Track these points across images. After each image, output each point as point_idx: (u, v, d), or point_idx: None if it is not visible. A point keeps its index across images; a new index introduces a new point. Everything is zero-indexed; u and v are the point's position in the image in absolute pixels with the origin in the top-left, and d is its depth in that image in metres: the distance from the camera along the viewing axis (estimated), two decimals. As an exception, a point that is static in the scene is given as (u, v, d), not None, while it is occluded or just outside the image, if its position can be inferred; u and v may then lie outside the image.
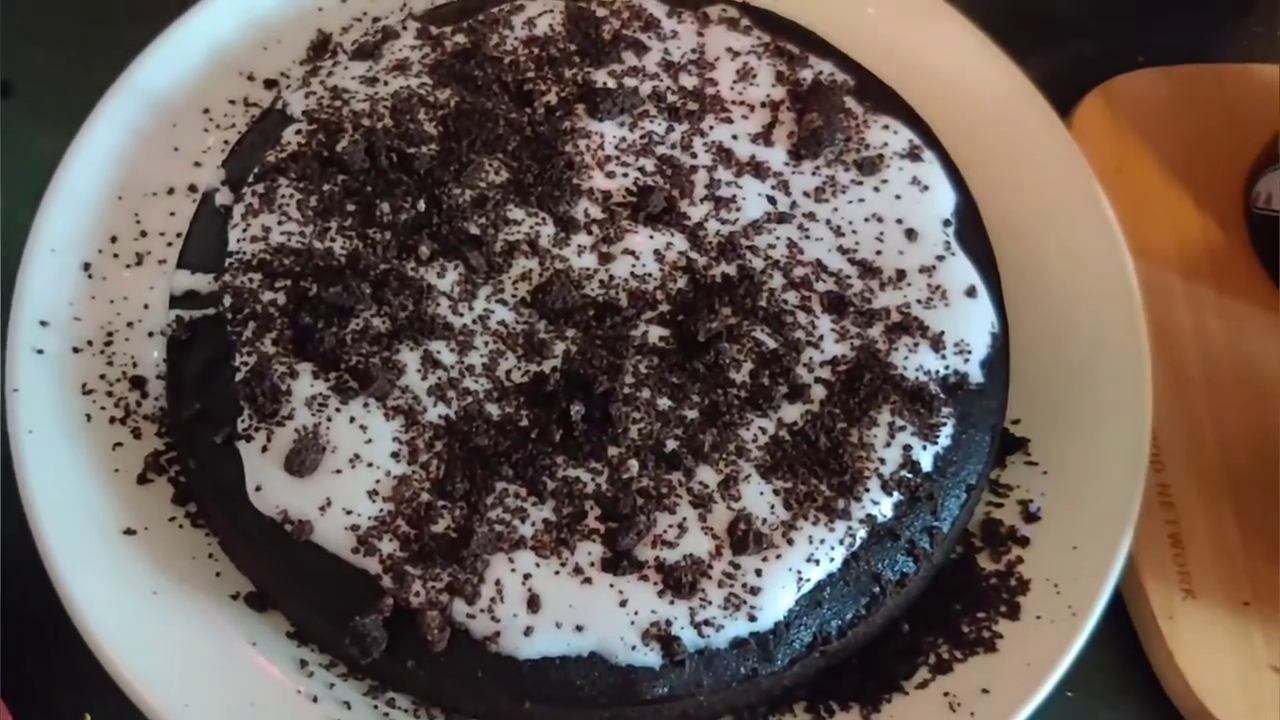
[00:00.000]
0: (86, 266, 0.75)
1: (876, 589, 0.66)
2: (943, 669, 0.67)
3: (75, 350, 0.73)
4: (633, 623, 0.63)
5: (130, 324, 0.75)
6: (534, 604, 0.63)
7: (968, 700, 0.66)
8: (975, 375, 0.71)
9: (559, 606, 0.63)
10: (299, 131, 0.77)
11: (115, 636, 0.64)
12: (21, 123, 0.87)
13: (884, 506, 0.67)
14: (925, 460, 0.68)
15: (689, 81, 0.80)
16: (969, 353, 0.72)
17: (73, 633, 0.64)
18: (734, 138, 0.78)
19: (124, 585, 0.66)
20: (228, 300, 0.71)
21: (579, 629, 0.63)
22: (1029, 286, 0.78)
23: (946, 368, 0.71)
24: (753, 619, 0.64)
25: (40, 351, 0.72)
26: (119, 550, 0.68)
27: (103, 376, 0.73)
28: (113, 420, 0.72)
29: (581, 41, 0.81)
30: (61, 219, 0.76)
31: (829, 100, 0.79)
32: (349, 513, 0.65)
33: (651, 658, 0.63)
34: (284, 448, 0.66)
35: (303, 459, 0.66)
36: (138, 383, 0.73)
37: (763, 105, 0.80)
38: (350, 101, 0.78)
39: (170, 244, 0.77)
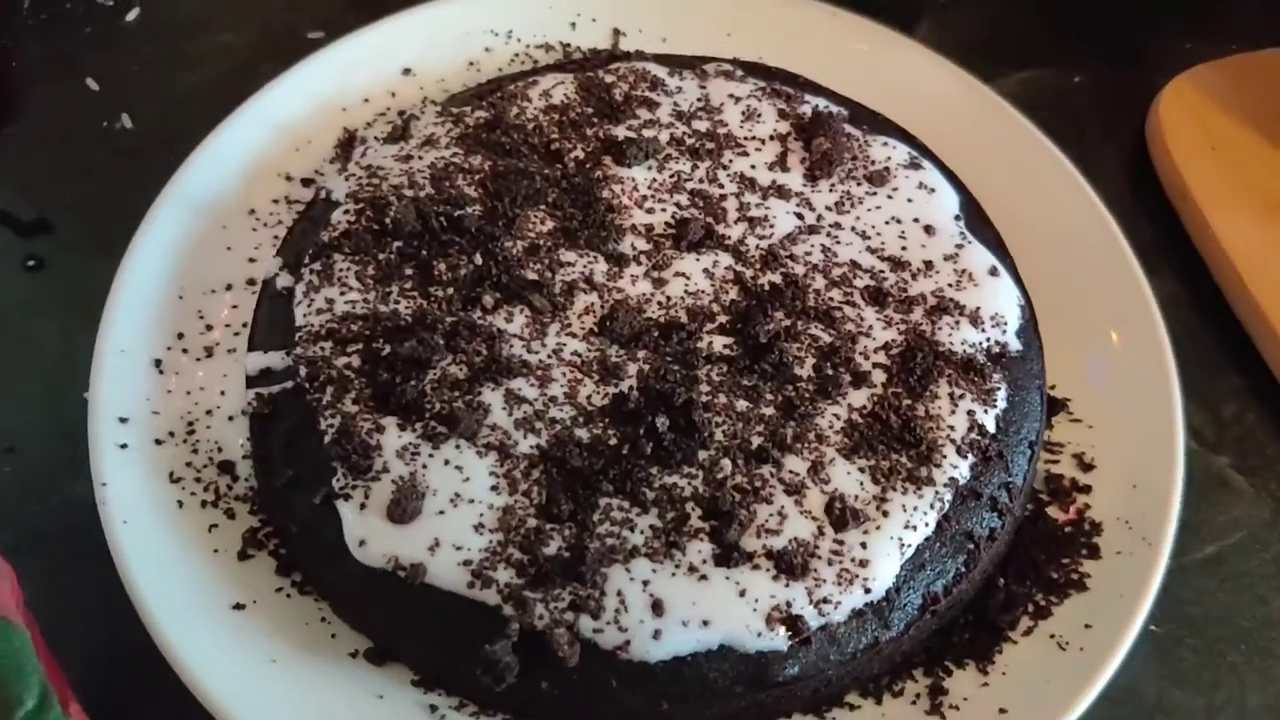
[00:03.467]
0: (158, 363, 0.71)
1: (971, 546, 0.64)
2: (1042, 614, 0.65)
3: (158, 442, 0.69)
4: (755, 610, 0.59)
5: (209, 412, 0.71)
6: (658, 608, 0.59)
7: (1074, 637, 0.63)
8: (1014, 343, 0.70)
9: (682, 606, 0.59)
10: (346, 211, 0.74)
11: (240, 704, 0.59)
12: (65, 257, 0.82)
13: (962, 469, 0.65)
14: (989, 422, 0.66)
15: (701, 126, 0.79)
16: (1004, 324, 0.71)
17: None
18: (753, 168, 0.77)
19: (241, 656, 0.61)
20: (303, 370, 0.67)
21: (705, 624, 0.59)
22: (1035, 265, 0.77)
23: (988, 339, 0.70)
24: (867, 590, 0.61)
25: (124, 446, 0.67)
26: (230, 624, 0.63)
27: (189, 464, 0.69)
28: (205, 504, 0.67)
29: (596, 105, 0.80)
30: (126, 320, 0.72)
31: (831, 126, 0.79)
32: (459, 549, 0.61)
33: (778, 641, 0.59)
34: (383, 499, 0.62)
35: (404, 507, 0.62)
36: (226, 467, 0.69)
37: (771, 138, 0.79)
38: (389, 177, 0.76)
39: (237, 334, 0.74)
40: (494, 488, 0.63)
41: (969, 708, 0.61)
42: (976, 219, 0.77)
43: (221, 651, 0.61)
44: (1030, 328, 0.72)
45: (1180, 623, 0.69)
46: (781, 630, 0.59)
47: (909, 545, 0.62)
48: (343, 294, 0.70)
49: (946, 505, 0.64)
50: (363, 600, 0.63)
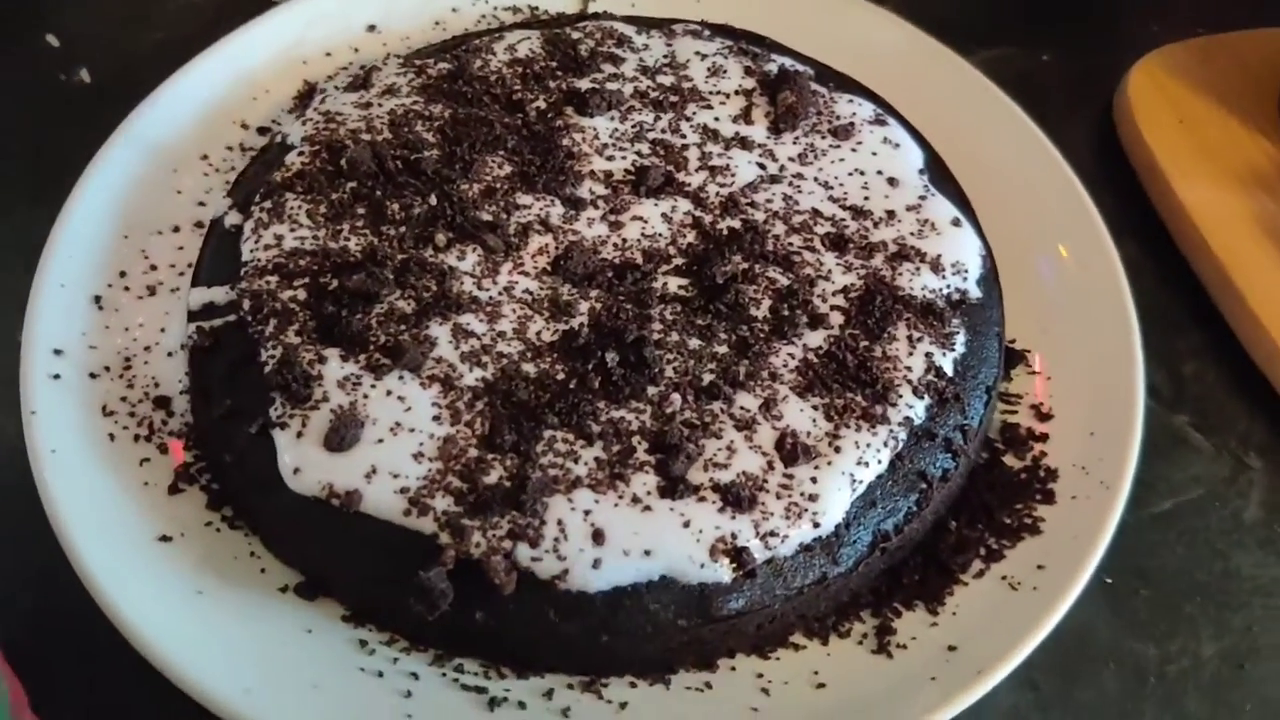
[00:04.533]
0: (97, 300, 0.70)
1: (924, 485, 0.62)
2: (994, 557, 0.63)
3: (93, 376, 0.67)
4: (699, 540, 0.58)
5: (148, 348, 0.69)
6: (598, 537, 0.58)
7: (1026, 578, 0.62)
8: (974, 291, 0.70)
9: (624, 536, 0.58)
10: (301, 153, 0.73)
11: (163, 635, 0.57)
12: (12, 203, 0.81)
13: (918, 409, 0.63)
14: (947, 365, 0.65)
15: (666, 80, 0.79)
16: (965, 272, 0.70)
17: (107, 647, 0.56)
18: (716, 120, 0.77)
19: (165, 588, 0.59)
20: (246, 304, 0.66)
21: (647, 554, 0.57)
22: (998, 224, 0.76)
23: (948, 286, 0.69)
24: (816, 524, 0.59)
25: (56, 377, 0.65)
26: (156, 557, 0.61)
27: (124, 399, 0.67)
28: (137, 439, 0.66)
29: (561, 59, 0.80)
30: (68, 255, 0.70)
31: (797, 83, 0.78)
32: (396, 476, 0.59)
33: (722, 572, 0.57)
34: (321, 428, 0.61)
35: (341, 435, 0.60)
36: (161, 402, 0.67)
37: (737, 93, 0.79)
38: (346, 122, 0.75)
39: (182, 274, 0.72)
40: (436, 418, 0.62)
41: (917, 647, 0.60)
42: (940, 174, 0.76)
43: (145, 583, 0.59)
44: (991, 278, 0.71)
45: (1135, 574, 0.67)
46: (725, 562, 0.58)
47: (860, 482, 0.61)
48: (292, 230, 0.69)
49: (900, 444, 0.62)
50: (295, 532, 0.61)
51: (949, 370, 0.65)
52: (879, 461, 0.61)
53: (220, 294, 0.68)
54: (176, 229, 0.75)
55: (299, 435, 0.61)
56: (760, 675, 0.59)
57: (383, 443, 0.61)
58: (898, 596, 0.62)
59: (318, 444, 0.60)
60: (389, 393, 0.62)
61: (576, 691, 0.58)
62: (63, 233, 0.71)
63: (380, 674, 0.58)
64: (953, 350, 0.66)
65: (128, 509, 0.62)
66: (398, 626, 0.60)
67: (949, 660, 0.58)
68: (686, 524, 0.58)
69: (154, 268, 0.73)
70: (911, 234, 0.71)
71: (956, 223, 0.72)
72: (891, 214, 0.72)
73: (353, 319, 0.64)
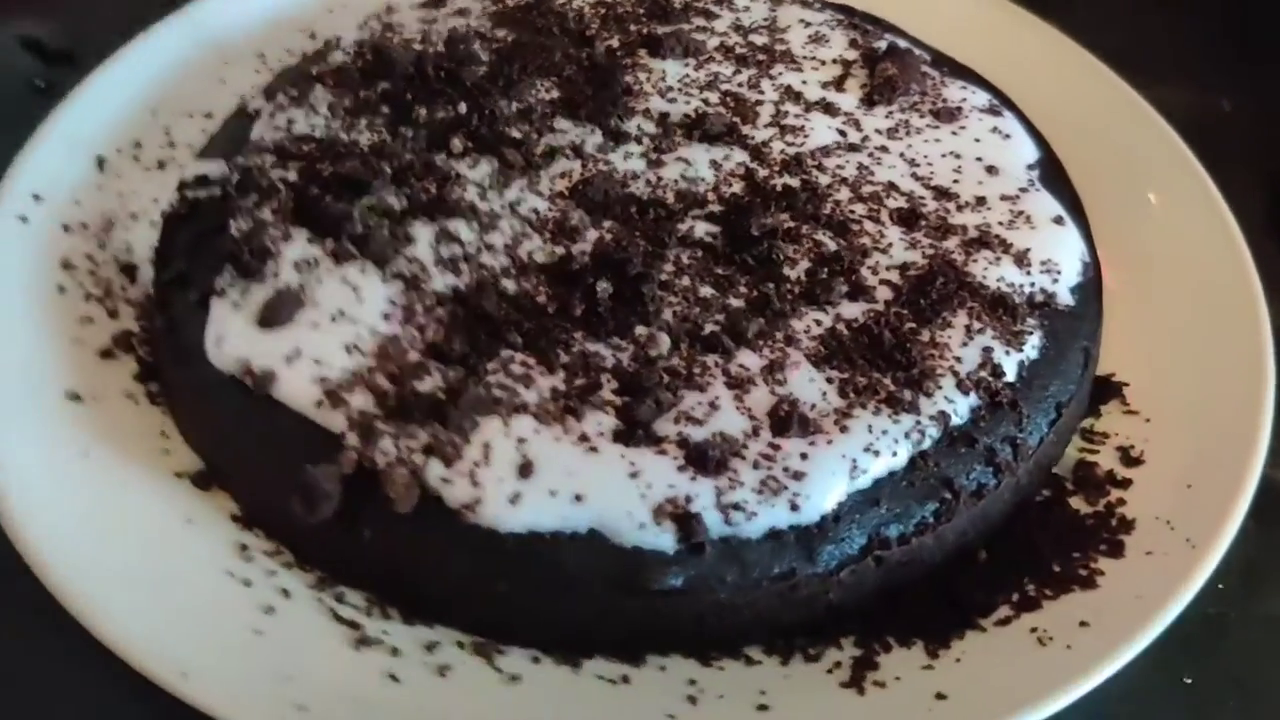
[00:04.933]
0: (100, 161, 0.65)
1: (948, 494, 0.50)
2: (1028, 605, 0.50)
3: (65, 228, 0.62)
4: (644, 496, 0.47)
5: (134, 215, 0.64)
6: (526, 470, 0.47)
7: (1062, 635, 0.48)
8: (1064, 297, 0.57)
9: (556, 473, 0.47)
10: (346, 53, 0.68)
11: (23, 485, 0.49)
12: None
13: (959, 406, 0.51)
14: (1008, 366, 0.53)
15: (759, 40, 0.70)
16: (1058, 273, 0.57)
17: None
18: (804, 83, 0.68)
19: (51, 443, 0.52)
20: (235, 177, 0.60)
21: (578, 499, 0.47)
22: (1121, 244, 0.64)
23: (1032, 284, 0.57)
24: (794, 507, 0.47)
25: (24, 219, 0.60)
26: (56, 411, 0.54)
27: (89, 256, 0.62)
28: (89, 297, 0.60)
29: (650, 6, 0.73)
30: (84, 111, 0.67)
31: (905, 59, 0.68)
32: (318, 364, 0.51)
33: (664, 539, 0.46)
34: (260, 302, 0.53)
35: (276, 312, 0.53)
36: (127, 270, 0.62)
37: (834, 62, 0.69)
38: (403, 32, 0.69)
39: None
40: (386, 315, 0.53)
41: (898, 689, 0.46)
42: (1054, 176, 0.64)
43: (30, 433, 0.52)
44: (1090, 290, 0.58)
45: (1227, 680, 0.52)
46: (670, 527, 0.46)
47: (863, 471, 0.48)
48: (308, 117, 0.64)
49: (927, 440, 0.50)
50: (202, 410, 0.53)
51: (1009, 372, 0.53)
52: (893, 453, 0.49)
53: (215, 168, 0.62)
54: (209, 115, 0.70)
55: (235, 306, 0.54)
56: (693, 682, 0.47)
57: (318, 327, 0.53)
58: (892, 626, 0.49)
59: (250, 318, 0.53)
60: (345, 280, 0.55)
61: (466, 652, 0.48)
62: (86, 91, 0.67)
63: (248, 583, 0.49)
64: (1020, 351, 0.53)
65: (45, 359, 0.56)
66: (285, 537, 0.51)
67: (932, 711, 0.45)
68: (635, 475, 0.47)
69: (172, 145, 0.68)
70: (1001, 223, 0.59)
71: (1059, 221, 0.60)
72: (982, 200, 0.61)
73: (335, 205, 0.57)
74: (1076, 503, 0.54)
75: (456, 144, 0.61)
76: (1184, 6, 0.89)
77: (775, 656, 0.48)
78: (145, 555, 0.49)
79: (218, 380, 0.52)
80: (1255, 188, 0.77)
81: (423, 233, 0.57)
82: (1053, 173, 0.64)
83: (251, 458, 0.51)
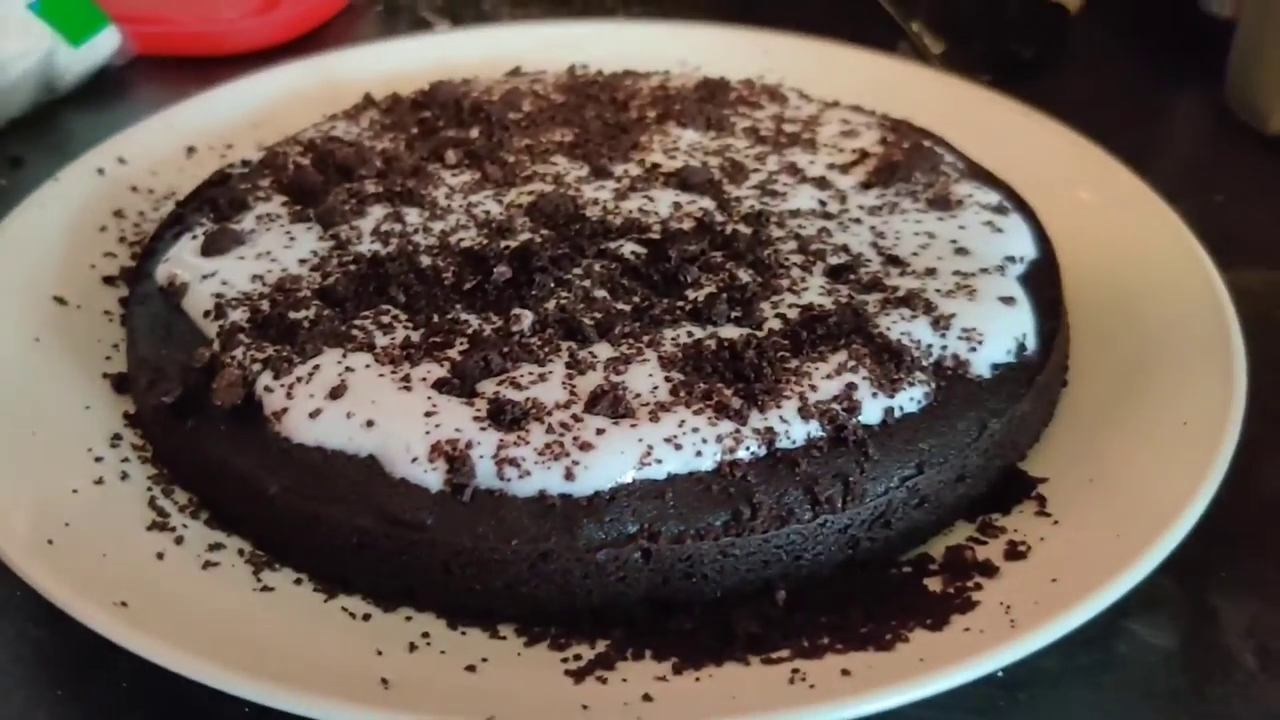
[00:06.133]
0: (190, 150, 0.75)
1: (745, 511, 0.45)
2: (809, 653, 0.43)
3: (134, 189, 0.71)
4: (428, 434, 0.47)
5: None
6: (337, 392, 0.49)
7: (816, 677, 0.41)
8: (978, 368, 0.52)
9: (361, 399, 0.48)
10: (415, 93, 0.75)
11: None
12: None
13: (793, 429, 0.47)
14: (871, 407, 0.49)
15: (790, 129, 0.71)
16: (979, 343, 0.53)
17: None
18: (810, 162, 0.67)
19: (17, 330, 0.59)
20: (261, 156, 0.68)
21: (369, 424, 0.47)
22: (1105, 360, 0.58)
23: (944, 348, 0.52)
24: (569, 476, 0.45)
25: (101, 172, 0.70)
26: (35, 307, 0.60)
27: (141, 213, 0.70)
28: (123, 239, 0.68)
29: (703, 94, 0.76)
30: (192, 111, 0.77)
31: (924, 154, 0.67)
32: (224, 284, 0.56)
33: (431, 478, 0.46)
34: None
35: (216, 242, 0.59)
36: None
37: (854, 151, 0.69)
38: (475, 90, 0.75)
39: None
40: (302, 260, 0.58)
41: (615, 686, 0.42)
42: (1041, 278, 0.59)
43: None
44: (1017, 376, 0.53)
45: None
46: (441, 466, 0.45)
47: (657, 460, 0.46)
48: (350, 127, 0.71)
49: (742, 451, 0.46)
50: (132, 318, 0.58)
51: (871, 414, 0.48)
52: (697, 452, 0.46)
53: (256, 154, 0.70)
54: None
55: (193, 239, 0.60)
56: (425, 635, 0.45)
57: (242, 260, 0.58)
58: (654, 639, 0.44)
59: (197, 248, 0.59)
60: (288, 233, 0.60)
61: (241, 559, 0.48)
62: (204, 97, 0.78)
63: (99, 459, 0.52)
64: (890, 397, 0.49)
65: (53, 270, 0.63)
66: (147, 432, 0.54)
67: (629, 706, 0.40)
68: (430, 414, 0.47)
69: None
70: (938, 290, 0.55)
71: (1008, 301, 0.55)
72: (931, 270, 0.57)
73: (319, 183, 0.63)
74: (933, 583, 0.47)
75: (450, 156, 0.66)
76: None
77: (523, 637, 0.45)
78: (26, 419, 0.53)
79: (149, 293, 0.58)
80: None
81: (377, 212, 0.61)
82: (1041, 275, 0.59)
83: (147, 357, 0.55)
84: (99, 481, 0.51)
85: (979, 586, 0.46)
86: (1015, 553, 0.48)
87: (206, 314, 0.54)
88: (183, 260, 0.58)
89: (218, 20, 0.98)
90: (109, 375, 0.58)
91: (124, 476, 0.52)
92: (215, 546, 0.49)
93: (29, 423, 0.53)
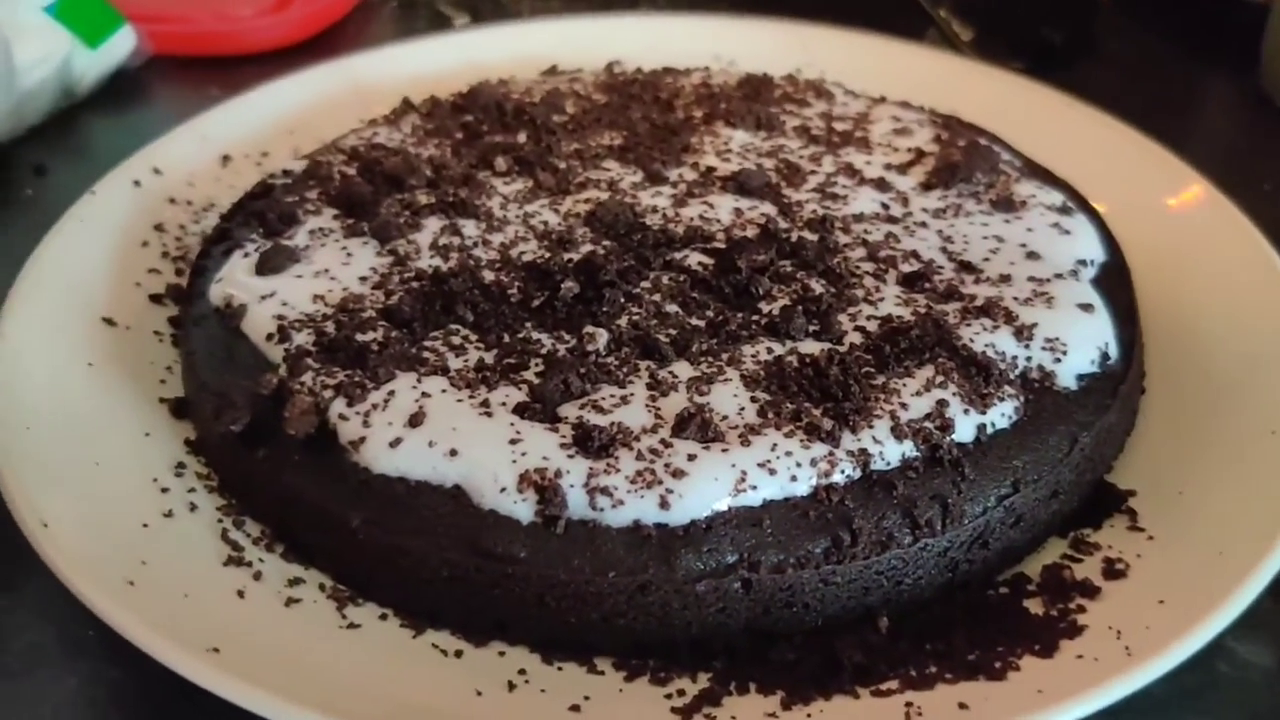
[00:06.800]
0: (225, 159, 0.73)
1: (845, 537, 0.44)
2: (918, 684, 0.42)
3: (171, 200, 0.69)
4: (515, 462, 0.45)
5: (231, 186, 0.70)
6: (416, 419, 0.47)
7: (933, 712, 0.40)
8: (1065, 379, 0.51)
9: (442, 426, 0.47)
10: (452, 95, 0.74)
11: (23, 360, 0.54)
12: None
13: (888, 449, 0.46)
14: (964, 425, 0.47)
15: (841, 126, 0.70)
16: (1063, 354, 0.51)
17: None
18: (867, 163, 0.66)
19: (68, 354, 0.57)
20: (304, 166, 0.66)
21: (452, 453, 0.46)
22: (1180, 366, 0.57)
23: (1028, 359, 0.51)
24: (664, 505, 0.44)
25: (138, 184, 0.68)
26: (83, 329, 0.58)
27: (182, 226, 0.68)
28: (166, 254, 0.66)
29: (748, 92, 0.74)
30: (224, 118, 0.75)
31: (983, 153, 0.66)
32: (285, 305, 0.54)
33: (521, 509, 0.44)
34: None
35: (272, 261, 0.57)
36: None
37: (909, 150, 0.67)
38: (515, 90, 0.74)
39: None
40: (363, 278, 0.56)
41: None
42: (1113, 281, 0.58)
43: (56, 343, 0.57)
44: (1105, 385, 0.52)
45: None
46: (531, 496, 0.44)
47: (752, 486, 0.44)
48: (392, 135, 0.69)
49: (838, 475, 0.45)
50: (191, 339, 0.56)
51: (964, 432, 0.47)
52: (792, 477, 0.45)
53: (298, 164, 0.68)
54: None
55: (245, 256, 0.58)
56: (522, 672, 0.44)
57: (300, 279, 0.56)
58: (759, 670, 0.43)
59: (250, 265, 0.57)
60: (344, 248, 0.58)
61: (323, 594, 0.47)
62: (233, 104, 0.76)
63: (165, 490, 0.51)
64: (982, 414, 0.48)
65: (100, 288, 0.61)
66: (213, 460, 0.52)
67: None
68: (515, 441, 0.46)
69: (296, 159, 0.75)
70: (1015, 298, 0.54)
71: (1086, 308, 0.54)
72: (1006, 277, 0.56)
73: (368, 193, 0.61)
74: (1034, 605, 0.46)
75: (501, 163, 0.64)
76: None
77: (622, 671, 0.44)
78: (89, 449, 0.52)
79: (205, 313, 0.56)
80: None
81: (433, 225, 0.59)
82: (1113, 278, 0.58)
83: (209, 383, 0.53)
84: (168, 514, 0.49)
85: (1082, 609, 0.45)
86: (1114, 571, 0.47)
87: (269, 337, 0.52)
88: (237, 280, 0.56)
89: (233, 18, 0.96)
90: (165, 400, 0.56)
91: (192, 508, 0.50)
92: (294, 581, 0.47)
93: (91, 453, 0.51)
